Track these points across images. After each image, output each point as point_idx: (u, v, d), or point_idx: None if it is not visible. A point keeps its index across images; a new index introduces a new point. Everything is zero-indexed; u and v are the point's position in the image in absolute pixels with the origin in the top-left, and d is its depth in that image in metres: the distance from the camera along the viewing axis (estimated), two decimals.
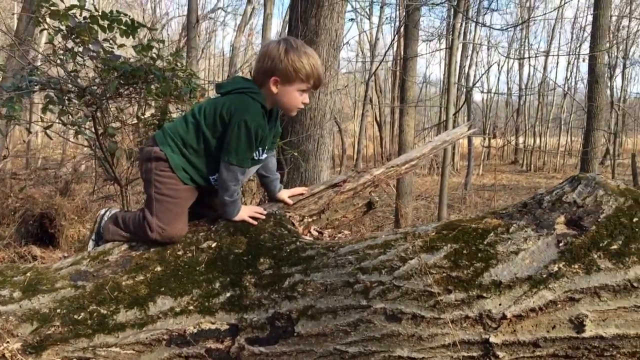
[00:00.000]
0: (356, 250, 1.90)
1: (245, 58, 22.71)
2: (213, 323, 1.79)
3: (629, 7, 22.60)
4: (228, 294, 1.82)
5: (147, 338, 1.79)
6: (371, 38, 21.45)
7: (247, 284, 1.84)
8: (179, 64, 3.50)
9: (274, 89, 2.03)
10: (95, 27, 3.17)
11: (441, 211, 6.85)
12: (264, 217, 2.11)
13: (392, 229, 2.21)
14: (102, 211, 2.21)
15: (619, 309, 1.69)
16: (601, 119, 10.70)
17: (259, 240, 1.98)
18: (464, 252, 1.82)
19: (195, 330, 1.78)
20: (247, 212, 2.09)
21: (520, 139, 26.27)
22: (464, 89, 18.87)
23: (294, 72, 1.99)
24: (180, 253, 1.97)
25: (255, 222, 2.07)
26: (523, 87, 26.54)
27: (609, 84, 19.94)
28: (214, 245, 1.98)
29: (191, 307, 1.81)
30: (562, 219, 1.88)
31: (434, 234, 1.91)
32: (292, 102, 2.06)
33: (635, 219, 1.81)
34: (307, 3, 5.81)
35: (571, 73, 26.13)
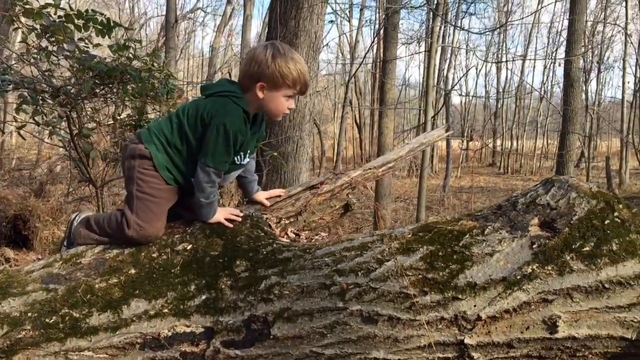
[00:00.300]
0: (333, 252, 1.89)
1: (225, 59, 22.60)
2: (188, 326, 1.77)
3: (603, 13, 23.06)
4: (203, 297, 1.81)
5: (120, 342, 1.76)
6: (351, 40, 21.54)
7: (223, 286, 1.82)
8: (155, 64, 3.46)
9: (260, 94, 2.02)
10: (70, 26, 3.12)
11: (420, 213, 6.90)
12: (240, 219, 2.10)
13: (369, 231, 2.21)
14: (73, 216, 2.17)
15: (591, 309, 1.72)
16: (576, 123, 10.90)
17: (235, 243, 1.97)
18: (440, 254, 1.83)
19: (169, 334, 1.75)
20: (223, 214, 2.08)
21: (498, 142, 26.60)
22: (443, 92, 19.05)
23: (281, 78, 1.99)
24: (155, 255, 1.95)
25: (231, 225, 2.06)
26: (500, 90, 26.90)
27: (584, 88, 20.32)
28: (189, 247, 1.96)
29: (166, 310, 1.79)
30: (535, 221, 1.90)
31: (410, 236, 1.92)
32: (278, 108, 2.06)
33: (606, 221, 1.84)
34: (286, 4, 5.80)
35: (547, 77, 26.58)
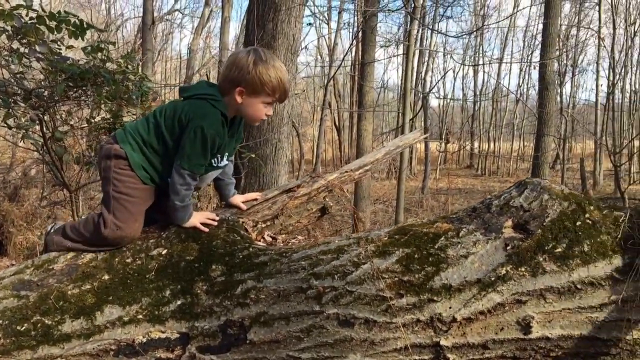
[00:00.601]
0: (309, 256, 1.89)
1: (203, 61, 22.45)
2: (163, 332, 1.75)
3: (577, 17, 23.49)
4: (179, 302, 1.79)
5: (94, 348, 1.73)
6: (330, 43, 21.57)
7: (199, 291, 1.81)
8: (130, 66, 3.42)
9: (239, 99, 2.01)
10: (42, 27, 3.06)
11: (398, 215, 6.92)
12: (215, 223, 2.08)
13: (346, 234, 2.22)
14: (49, 227, 2.14)
15: (564, 310, 1.75)
16: (551, 125, 11.08)
17: (211, 247, 1.95)
18: (416, 256, 1.84)
19: (144, 340, 1.73)
20: (198, 218, 2.06)
21: (475, 144, 26.88)
22: (421, 95, 19.18)
23: (261, 85, 1.99)
24: (129, 261, 1.92)
25: (206, 229, 2.04)
26: (478, 93, 27.20)
27: (558, 91, 20.66)
28: (164, 252, 1.94)
29: (140, 316, 1.76)
30: (509, 222, 1.93)
31: (386, 238, 1.93)
32: (255, 114, 2.06)
33: (578, 223, 1.87)
34: (264, 7, 5.79)
35: (523, 80, 26.95)
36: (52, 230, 2.11)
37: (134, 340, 1.73)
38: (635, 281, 1.75)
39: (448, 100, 24.78)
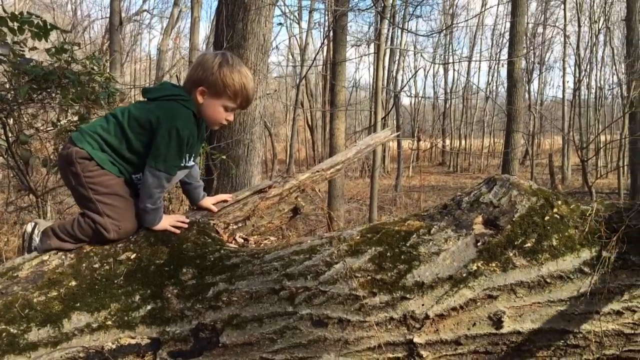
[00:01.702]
0: (282, 257, 1.88)
1: (173, 62, 22.19)
2: (133, 338, 1.71)
3: (543, 15, 23.96)
4: (149, 307, 1.75)
5: (61, 357, 1.69)
6: (301, 42, 21.56)
7: (169, 295, 1.78)
8: (95, 67, 3.35)
9: (200, 99, 2.01)
10: (4, 29, 2.98)
11: (372, 213, 6.96)
12: (186, 225, 2.05)
13: (319, 234, 2.21)
14: (29, 228, 2.05)
15: (534, 304, 1.77)
16: (520, 122, 11.27)
17: (181, 250, 1.92)
18: (388, 254, 1.84)
19: (114, 347, 1.69)
20: (169, 221, 2.03)
21: (447, 141, 27.20)
22: (392, 93, 19.32)
23: (223, 87, 1.99)
24: (96, 266, 1.88)
25: (177, 231, 2.01)
26: (448, 91, 27.52)
27: (527, 88, 21.04)
28: (133, 256, 1.90)
29: (109, 322, 1.72)
30: (479, 219, 1.94)
31: (358, 237, 1.93)
32: (215, 116, 2.06)
33: (546, 218, 1.90)
34: (234, 7, 5.73)
35: (492, 77, 27.40)
36: (36, 236, 2.03)
37: (103, 347, 1.69)
38: (602, 274, 1.78)
39: (419, 99, 25.02)
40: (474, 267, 1.79)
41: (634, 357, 1.77)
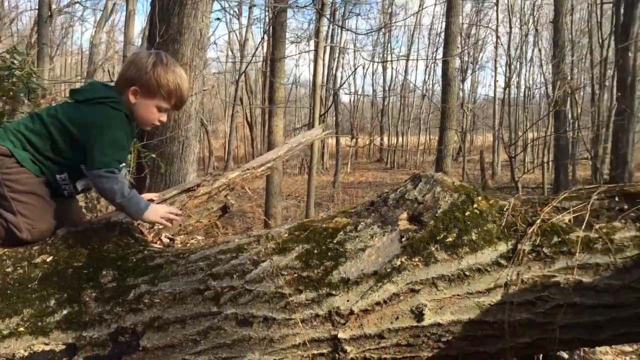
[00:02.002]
0: (208, 256, 1.85)
1: (107, 56, 21.41)
2: (47, 344, 1.63)
3: (477, 16, 24.79)
4: (65, 312, 1.68)
5: None
6: (241, 38, 21.33)
7: (87, 299, 1.71)
8: (16, 61, 3.18)
9: (132, 99, 1.96)
10: None
11: (309, 210, 6.99)
12: (179, 219, 2.00)
13: (247, 233, 2.20)
14: None
15: (454, 296, 1.83)
16: (453, 119, 11.63)
17: (102, 251, 1.86)
18: (315, 251, 1.85)
19: (26, 354, 1.61)
20: (160, 212, 1.95)
21: (385, 138, 27.69)
22: (332, 91, 19.45)
23: (157, 87, 1.95)
24: (9, 270, 1.79)
25: (169, 224, 1.96)
26: (387, 89, 28.00)
27: (461, 87, 21.73)
28: (49, 259, 1.82)
29: (21, 329, 1.64)
30: (404, 215, 1.99)
31: (286, 235, 1.93)
32: (147, 117, 2.01)
33: (467, 213, 1.96)
34: (169, 1, 5.60)
35: (429, 76, 28.09)
36: None
37: (14, 354, 1.60)
38: (517, 265, 1.86)
39: (358, 96, 25.32)
40: (398, 262, 1.83)
41: (544, 345, 1.87)
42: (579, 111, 14.47)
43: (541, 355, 2.13)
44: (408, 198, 2.05)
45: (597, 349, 2.66)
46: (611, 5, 11.94)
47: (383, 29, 23.17)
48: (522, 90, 24.17)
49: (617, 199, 2.03)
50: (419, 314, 1.79)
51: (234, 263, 1.81)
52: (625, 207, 1.98)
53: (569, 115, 13.85)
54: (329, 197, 12.49)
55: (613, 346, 2.71)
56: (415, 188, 2.08)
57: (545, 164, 13.94)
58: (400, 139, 27.48)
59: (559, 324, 1.82)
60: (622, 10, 10.93)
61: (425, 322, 1.79)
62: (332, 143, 21.18)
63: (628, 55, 10.50)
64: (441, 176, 2.14)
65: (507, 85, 19.24)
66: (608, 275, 1.83)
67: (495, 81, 20.43)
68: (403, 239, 1.89)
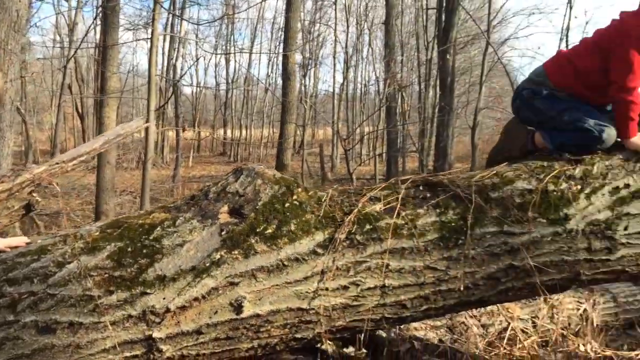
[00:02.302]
0: (4, 260, 1.68)
1: None
2: None
3: (318, 14, 25.58)
4: None
5: None
6: (70, 22, 19.59)
7: None
8: None
9: None
10: None
11: (144, 205, 6.67)
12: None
13: (53, 232, 2.02)
14: None
15: (273, 286, 1.87)
16: (294, 113, 11.89)
17: None
18: (129, 249, 1.77)
19: None
20: None
21: (228, 131, 27.47)
22: (172, 82, 18.76)
23: None
24: None
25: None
26: (230, 81, 27.73)
27: (302, 82, 22.32)
28: None
29: None
30: (225, 208, 1.98)
31: (97, 233, 1.82)
32: None
33: (287, 204, 2.01)
34: None
35: (272, 70, 28.38)
36: None
37: None
38: (333, 253, 1.95)
39: (200, 88, 24.74)
40: (217, 256, 1.82)
41: (359, 327, 1.99)
42: (408, 107, 15.69)
43: (362, 335, 2.26)
44: (229, 191, 2.04)
45: (412, 324, 2.88)
46: (435, 11, 13.06)
47: (223, 20, 22.91)
48: (359, 86, 25.56)
49: (421, 188, 2.22)
50: (238, 307, 1.80)
51: (35, 266, 1.66)
52: (428, 195, 2.18)
53: (398, 111, 14.93)
54: (168, 192, 12.06)
55: (424, 321, 2.95)
56: (237, 181, 2.08)
57: (378, 157, 14.92)
58: (244, 132, 27.44)
59: (369, 306, 1.95)
60: (443, 17, 12.00)
61: (245, 314, 1.80)
62: (172, 136, 20.45)
63: (447, 57, 11.59)
64: (262, 169, 2.16)
65: (345, 81, 20.18)
66: (412, 258, 2.01)
67: (334, 77, 21.35)
68: (223, 233, 1.88)
